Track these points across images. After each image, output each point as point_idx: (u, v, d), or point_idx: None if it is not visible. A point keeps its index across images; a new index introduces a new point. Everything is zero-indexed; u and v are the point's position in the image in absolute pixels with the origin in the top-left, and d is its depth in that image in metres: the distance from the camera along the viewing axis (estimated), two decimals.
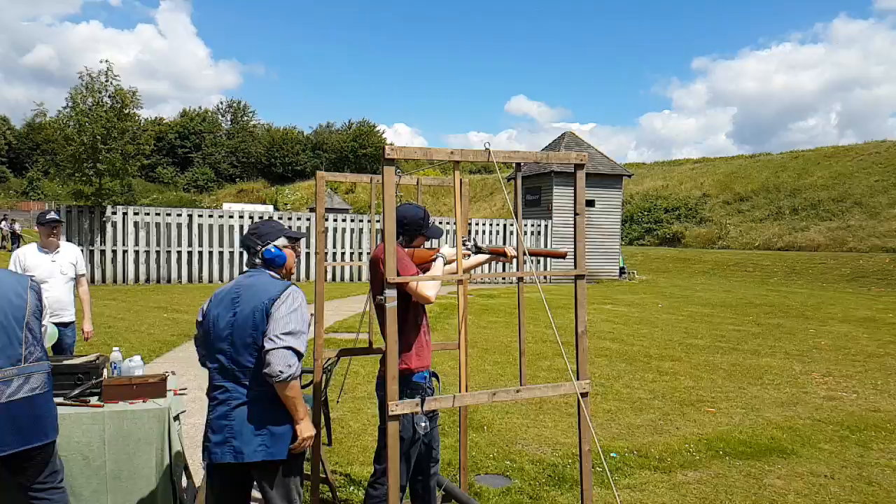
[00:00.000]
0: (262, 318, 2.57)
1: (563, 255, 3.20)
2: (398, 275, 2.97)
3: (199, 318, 2.83)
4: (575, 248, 2.79)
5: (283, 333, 2.51)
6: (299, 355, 2.54)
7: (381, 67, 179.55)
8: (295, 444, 2.62)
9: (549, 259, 21.39)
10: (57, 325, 4.86)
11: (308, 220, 19.70)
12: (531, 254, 3.13)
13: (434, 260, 3.17)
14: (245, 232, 2.87)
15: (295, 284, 2.73)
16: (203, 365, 2.81)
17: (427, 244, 3.46)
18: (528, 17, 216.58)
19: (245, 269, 2.90)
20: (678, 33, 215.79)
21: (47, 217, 5.01)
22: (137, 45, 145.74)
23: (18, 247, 24.44)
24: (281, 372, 2.46)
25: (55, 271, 5.02)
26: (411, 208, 3.25)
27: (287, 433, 2.59)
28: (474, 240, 3.28)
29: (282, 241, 2.82)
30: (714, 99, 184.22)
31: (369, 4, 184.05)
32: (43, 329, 3.01)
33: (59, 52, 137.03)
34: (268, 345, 2.49)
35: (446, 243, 3.25)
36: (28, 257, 4.98)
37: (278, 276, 2.79)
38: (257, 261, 2.78)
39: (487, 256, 3.27)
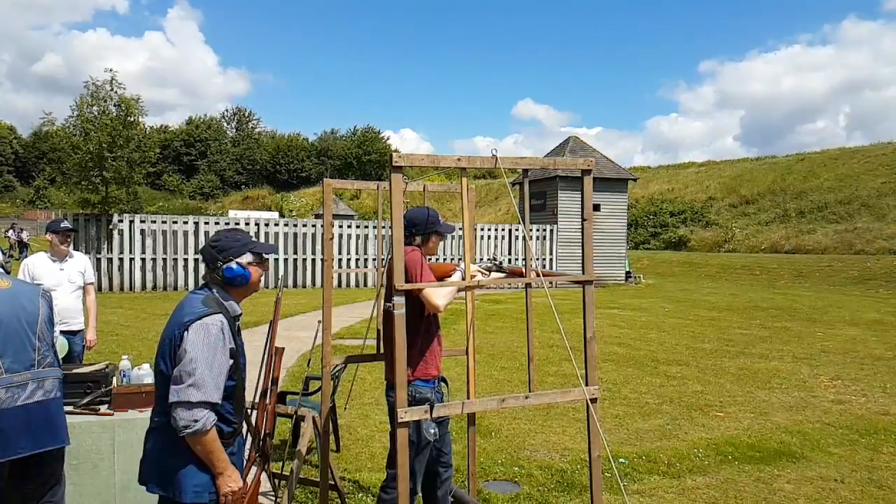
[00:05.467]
0: (170, 347, 2.33)
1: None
2: (411, 281, 3.02)
3: None
4: (583, 253, 2.79)
5: (187, 386, 2.22)
6: (209, 405, 2.26)
7: (388, 74, 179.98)
8: (220, 500, 2.36)
9: (556, 269, 21.31)
10: (66, 332, 4.90)
11: (314, 226, 19.75)
12: (547, 276, 3.13)
13: (452, 274, 3.21)
14: (207, 242, 2.53)
15: (222, 312, 2.39)
16: None
17: (445, 257, 3.50)
18: (535, 20, 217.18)
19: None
20: (685, 36, 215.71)
21: (61, 225, 5.07)
22: (146, 53, 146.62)
23: (26, 255, 24.54)
24: (185, 427, 2.21)
25: (64, 280, 5.06)
26: (415, 210, 3.33)
27: (186, 475, 2.31)
28: (497, 257, 3.32)
29: (247, 258, 2.48)
30: (722, 102, 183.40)
31: (376, 11, 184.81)
32: (55, 339, 3.03)
33: (67, 60, 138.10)
34: (171, 396, 2.23)
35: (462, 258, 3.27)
36: (37, 266, 5.01)
37: (226, 299, 2.48)
38: (217, 277, 2.47)
39: (505, 275, 3.30)
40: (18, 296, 2.87)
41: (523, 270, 3.29)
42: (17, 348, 2.76)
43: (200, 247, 2.32)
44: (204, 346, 2.27)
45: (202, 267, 17.24)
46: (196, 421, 2.22)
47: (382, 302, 3.33)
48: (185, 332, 2.29)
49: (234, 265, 2.45)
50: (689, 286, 23.33)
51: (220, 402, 2.31)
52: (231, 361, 2.38)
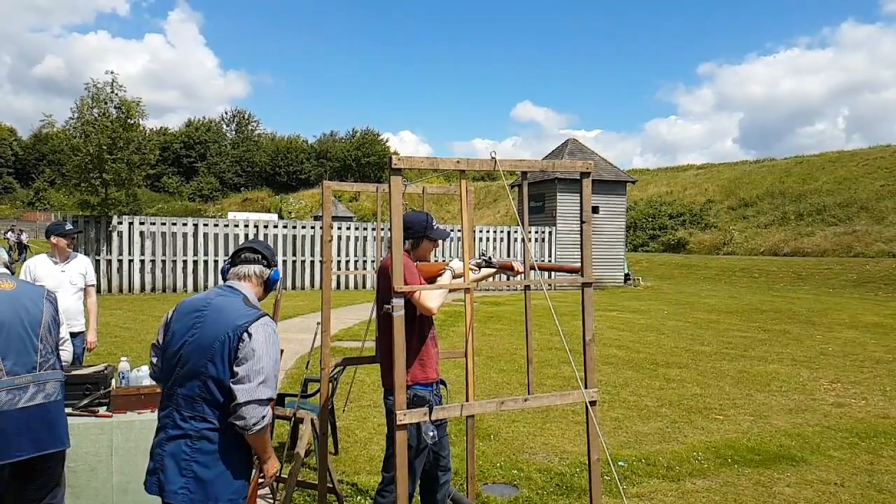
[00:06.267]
0: (225, 350, 2.31)
1: (576, 270, 3.17)
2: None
3: (162, 326, 2.54)
4: (582, 255, 2.79)
5: (258, 384, 2.27)
6: (271, 401, 2.36)
7: (388, 76, 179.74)
8: (264, 481, 2.54)
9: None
10: None
11: (313, 228, 19.75)
12: (543, 269, 3.14)
13: (442, 273, 3.20)
14: (249, 241, 2.63)
15: (266, 313, 2.47)
16: (154, 379, 2.66)
17: (434, 258, 3.49)
18: (534, 22, 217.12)
19: (225, 280, 2.60)
20: (684, 39, 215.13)
21: (67, 228, 5.08)
22: (146, 55, 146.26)
23: (25, 257, 24.46)
24: (255, 424, 2.27)
25: (64, 281, 5.06)
26: (409, 214, 3.32)
27: (222, 483, 2.32)
28: (486, 253, 3.31)
29: (279, 267, 2.73)
30: (720, 104, 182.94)
31: (375, 14, 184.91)
32: (62, 340, 3.03)
33: (67, 62, 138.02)
34: (241, 396, 2.24)
35: (457, 257, 3.27)
36: (38, 267, 5.01)
37: (256, 300, 2.55)
38: (258, 277, 2.57)
39: (495, 270, 3.30)
40: (21, 297, 2.86)
41: (511, 264, 3.29)
42: (19, 350, 2.75)
43: (249, 244, 2.38)
44: (267, 346, 2.35)
45: (201, 268, 17.02)
46: (264, 417, 2.30)
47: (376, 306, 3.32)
48: (246, 334, 2.33)
49: (278, 268, 2.66)
50: (687, 289, 23.33)
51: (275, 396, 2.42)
52: None
